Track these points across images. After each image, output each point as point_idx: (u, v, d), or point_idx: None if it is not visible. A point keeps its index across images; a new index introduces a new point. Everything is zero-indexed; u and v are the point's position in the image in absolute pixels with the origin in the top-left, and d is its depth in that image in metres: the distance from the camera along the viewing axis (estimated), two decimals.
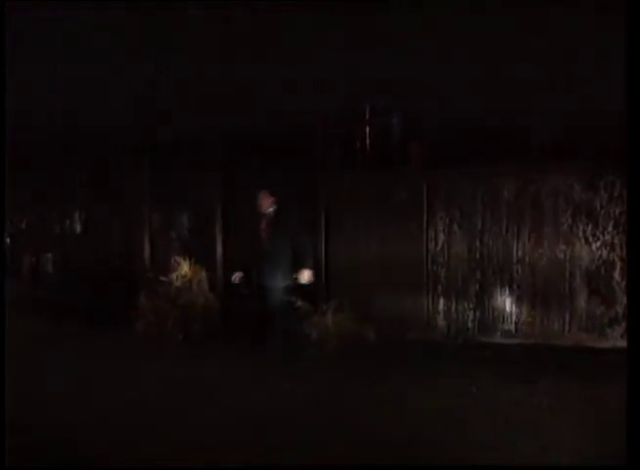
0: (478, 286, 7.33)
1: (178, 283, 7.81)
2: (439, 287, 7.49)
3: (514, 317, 7.21)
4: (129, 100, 8.44)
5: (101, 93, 8.32)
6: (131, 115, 8.51)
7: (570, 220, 6.97)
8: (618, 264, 6.76)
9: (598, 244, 6.85)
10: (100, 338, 7.65)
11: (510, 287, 7.20)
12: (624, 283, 6.66)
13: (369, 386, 5.70)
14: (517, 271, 7.17)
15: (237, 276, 6.65)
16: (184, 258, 8.04)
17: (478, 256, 7.32)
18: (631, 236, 4.13)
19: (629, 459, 3.09)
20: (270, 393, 5.49)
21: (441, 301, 7.47)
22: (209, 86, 7.98)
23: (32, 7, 7.46)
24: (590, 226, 6.88)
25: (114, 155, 9.25)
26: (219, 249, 8.60)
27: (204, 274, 7.98)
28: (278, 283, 6.32)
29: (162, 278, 7.89)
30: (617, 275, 6.79)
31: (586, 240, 6.91)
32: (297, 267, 6.27)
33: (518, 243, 7.14)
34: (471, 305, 7.37)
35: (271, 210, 6.60)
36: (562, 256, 7.02)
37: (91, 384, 5.78)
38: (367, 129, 7.97)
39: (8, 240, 9.96)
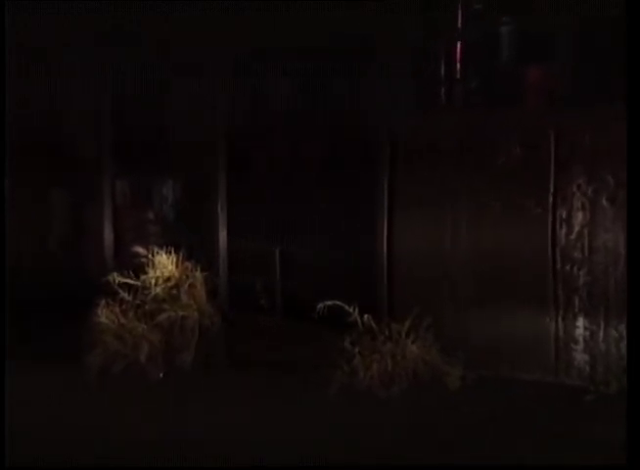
0: None
1: (158, 289, 6.62)
2: (576, 300, 6.02)
3: None
4: None
5: None
6: None
7: None
8: None
9: None
10: (30, 378, 6.04)
11: None
12: None
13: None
14: None
15: None
16: (167, 251, 6.83)
17: None
18: (631, 236, 4.31)
19: (629, 459, 3.30)
20: None
21: (580, 322, 6.00)
22: None
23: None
24: None
25: None
26: (222, 236, 7.46)
27: (198, 275, 6.80)
28: None
29: (133, 281, 6.65)
30: None
31: None
32: None
33: None
34: None
35: None
36: None
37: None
38: (457, 47, 6.51)
39: None
